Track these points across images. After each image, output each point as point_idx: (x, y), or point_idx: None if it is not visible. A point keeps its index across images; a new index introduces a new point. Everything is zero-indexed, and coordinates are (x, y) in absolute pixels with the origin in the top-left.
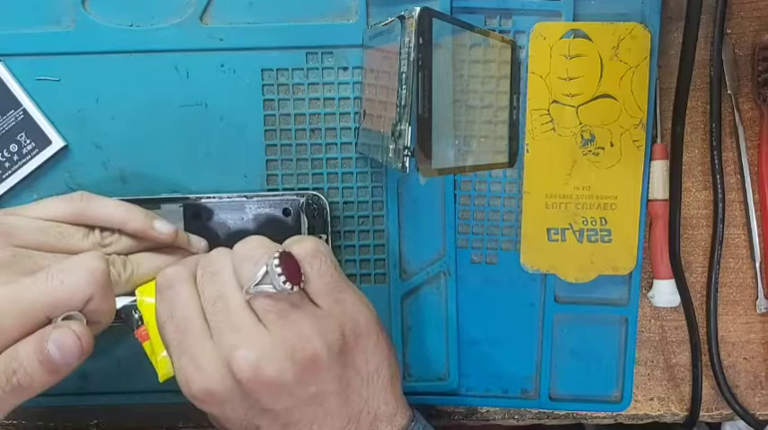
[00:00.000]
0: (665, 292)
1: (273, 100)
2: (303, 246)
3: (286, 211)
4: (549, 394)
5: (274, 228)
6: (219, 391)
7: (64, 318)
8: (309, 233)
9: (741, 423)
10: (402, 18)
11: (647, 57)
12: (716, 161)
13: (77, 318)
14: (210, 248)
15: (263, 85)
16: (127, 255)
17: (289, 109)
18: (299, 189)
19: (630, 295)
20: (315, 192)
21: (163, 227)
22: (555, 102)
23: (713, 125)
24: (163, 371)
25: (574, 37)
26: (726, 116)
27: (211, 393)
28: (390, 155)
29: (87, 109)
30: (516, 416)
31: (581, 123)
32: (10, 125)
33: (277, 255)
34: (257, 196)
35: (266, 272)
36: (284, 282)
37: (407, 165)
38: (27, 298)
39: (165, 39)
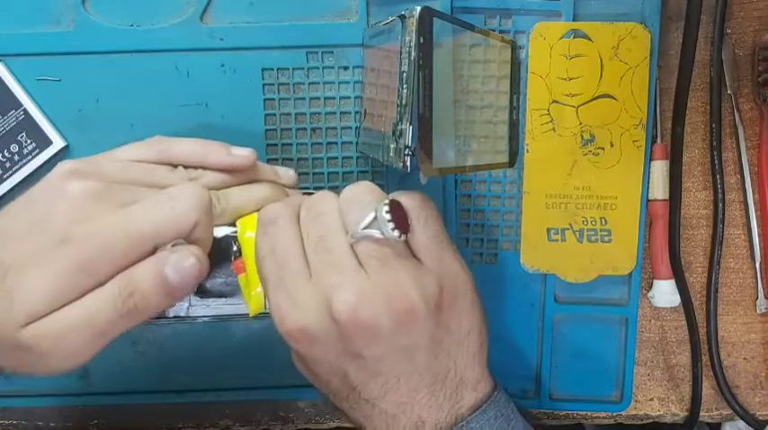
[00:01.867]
0: (665, 292)
1: (274, 99)
2: (412, 198)
3: None
4: (549, 394)
5: None
6: (314, 330)
7: (173, 246)
8: None
9: (741, 423)
10: (403, 17)
11: (647, 57)
12: (716, 161)
13: (184, 244)
14: (211, 248)
15: (264, 85)
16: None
17: (289, 108)
18: (300, 188)
19: (630, 295)
20: (315, 192)
21: (240, 150)
22: (555, 102)
23: (713, 125)
24: (255, 305)
25: (574, 37)
26: (726, 116)
27: (306, 331)
28: (391, 154)
29: (88, 109)
30: None
31: (581, 123)
32: (10, 125)
33: (387, 201)
34: None
35: (374, 217)
36: (393, 229)
37: (408, 164)
38: (137, 225)
39: (166, 38)
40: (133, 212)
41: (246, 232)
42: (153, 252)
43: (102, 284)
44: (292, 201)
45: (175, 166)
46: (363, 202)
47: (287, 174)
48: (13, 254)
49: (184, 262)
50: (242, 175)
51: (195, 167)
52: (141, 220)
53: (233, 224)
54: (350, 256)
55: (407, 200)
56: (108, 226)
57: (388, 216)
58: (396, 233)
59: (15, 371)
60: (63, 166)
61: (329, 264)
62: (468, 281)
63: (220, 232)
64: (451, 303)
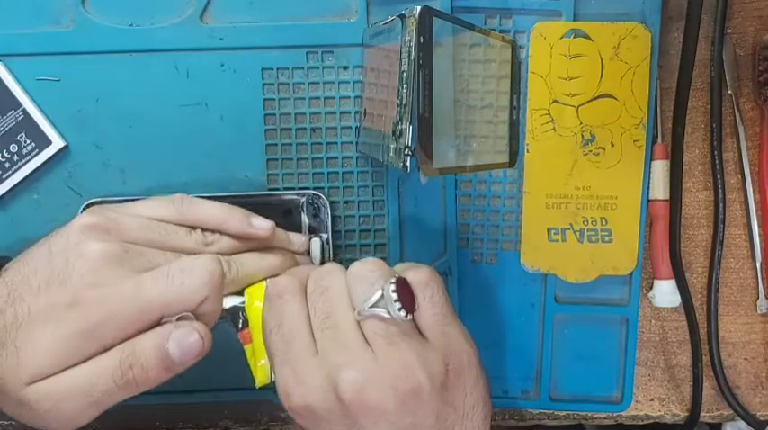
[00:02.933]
0: (665, 293)
1: (274, 99)
2: (418, 274)
3: (287, 211)
4: (550, 394)
5: None
6: (319, 408)
7: (178, 319)
8: (310, 233)
9: (742, 423)
10: (403, 17)
11: (648, 56)
12: (716, 161)
13: (190, 318)
14: None
15: (264, 85)
16: (230, 256)
17: (289, 108)
18: (300, 188)
19: (631, 295)
20: (315, 192)
21: (261, 222)
22: (555, 101)
23: (714, 125)
24: (261, 377)
25: (574, 37)
26: (726, 116)
27: (311, 408)
28: (391, 154)
29: (87, 109)
30: (516, 417)
31: (581, 123)
32: (10, 125)
33: (394, 280)
34: (258, 196)
35: (381, 295)
36: (399, 309)
37: (408, 164)
38: (146, 296)
39: (165, 38)
40: (144, 282)
41: (254, 302)
42: (159, 322)
43: (106, 350)
44: (300, 272)
45: (194, 228)
46: (371, 280)
47: (300, 241)
48: (28, 308)
49: (188, 337)
50: (257, 244)
51: (213, 231)
52: (151, 292)
53: (241, 293)
54: (356, 334)
55: (414, 275)
56: (119, 294)
57: (394, 295)
58: (402, 313)
59: (23, 423)
60: (84, 219)
61: (335, 342)
62: (473, 355)
63: (228, 302)
64: (456, 380)
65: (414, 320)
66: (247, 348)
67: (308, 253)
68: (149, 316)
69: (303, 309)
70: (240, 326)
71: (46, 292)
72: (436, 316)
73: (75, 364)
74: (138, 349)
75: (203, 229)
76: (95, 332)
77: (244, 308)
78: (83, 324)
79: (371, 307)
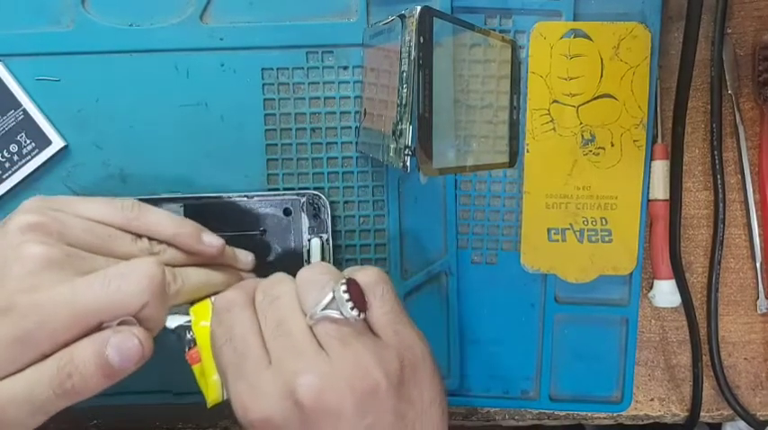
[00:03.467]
0: (665, 293)
1: (274, 99)
2: (367, 274)
3: (287, 211)
4: (550, 395)
5: (275, 228)
6: (278, 418)
7: (119, 323)
8: (309, 233)
9: (742, 423)
10: (403, 17)
11: (648, 56)
12: (716, 161)
13: (131, 323)
14: None
15: (264, 85)
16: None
17: (289, 108)
18: (300, 188)
19: (631, 295)
20: (315, 192)
21: (212, 239)
22: (555, 101)
23: (714, 125)
24: (213, 396)
25: (574, 36)
26: (726, 116)
27: (270, 420)
28: (391, 154)
29: (87, 109)
30: (516, 417)
31: (581, 123)
32: (10, 125)
33: (344, 281)
34: (258, 196)
35: (333, 297)
36: (352, 308)
37: (408, 164)
38: (82, 301)
39: (165, 38)
40: (80, 287)
41: (201, 322)
42: (99, 328)
43: (45, 357)
44: (246, 285)
45: (140, 236)
46: (321, 283)
47: (246, 259)
48: None
49: (127, 343)
50: (203, 259)
51: (160, 242)
52: (86, 296)
53: (186, 313)
54: (310, 339)
55: (363, 276)
56: (53, 299)
57: (346, 295)
58: (355, 312)
59: None
60: (24, 218)
61: (289, 349)
62: (426, 351)
63: (173, 322)
64: (412, 376)
65: (366, 320)
66: (196, 368)
67: (251, 271)
68: (86, 321)
69: (253, 320)
70: (187, 347)
71: None
72: (387, 314)
73: (14, 373)
74: (77, 356)
75: (150, 238)
76: (31, 339)
77: (190, 327)
78: (17, 330)
79: (323, 309)
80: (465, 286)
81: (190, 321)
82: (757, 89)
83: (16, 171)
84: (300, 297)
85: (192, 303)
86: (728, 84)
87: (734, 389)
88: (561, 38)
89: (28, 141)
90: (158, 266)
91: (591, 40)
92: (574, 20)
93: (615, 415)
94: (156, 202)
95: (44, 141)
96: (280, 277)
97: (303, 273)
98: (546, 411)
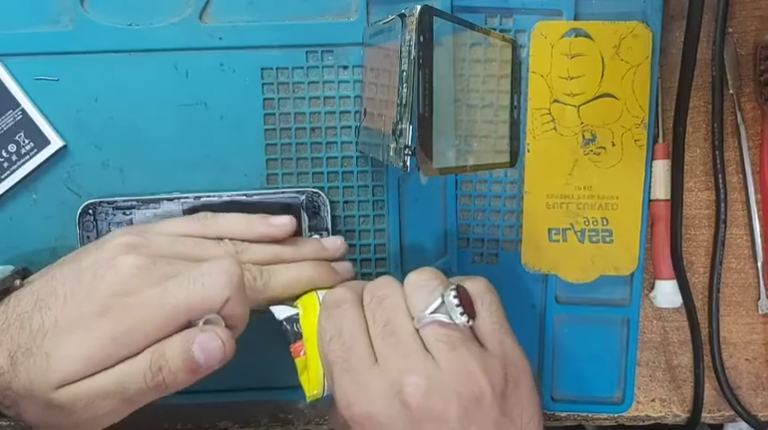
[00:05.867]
0: (666, 293)
1: (273, 99)
2: (476, 283)
3: (285, 207)
4: (551, 395)
5: None
6: (381, 416)
7: (205, 322)
8: (310, 232)
9: (743, 424)
10: (403, 16)
11: (649, 56)
12: (718, 161)
13: (217, 321)
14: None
15: (263, 84)
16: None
17: (289, 108)
18: (300, 188)
19: (632, 296)
20: (314, 190)
21: (279, 219)
22: (556, 101)
23: (715, 125)
24: (314, 390)
25: (575, 36)
26: (728, 115)
27: (373, 417)
28: (391, 154)
29: (86, 109)
30: None
31: (582, 123)
32: (8, 125)
33: (454, 286)
34: (257, 195)
35: (442, 302)
36: (462, 314)
37: (408, 164)
38: (171, 301)
39: (164, 38)
40: (169, 287)
41: (308, 315)
42: (187, 325)
43: (135, 354)
44: (354, 285)
45: (222, 239)
46: (430, 287)
47: (334, 244)
48: (55, 317)
49: (211, 342)
50: (290, 253)
51: (242, 241)
52: (175, 296)
53: (294, 306)
54: (417, 341)
55: (472, 285)
56: (145, 301)
57: (456, 301)
58: (464, 318)
59: (45, 428)
60: (120, 238)
61: (396, 349)
62: (527, 368)
63: (282, 313)
64: (514, 390)
65: (472, 328)
66: (299, 361)
67: (342, 257)
68: (176, 319)
69: (361, 317)
70: (291, 339)
71: (72, 302)
72: (494, 325)
73: (106, 369)
74: (168, 352)
75: (232, 240)
76: (125, 338)
77: (297, 320)
78: (113, 330)
79: (432, 313)
80: None
81: (298, 313)
82: (758, 88)
83: (15, 171)
84: (408, 300)
85: (296, 298)
86: (730, 83)
87: (735, 389)
88: (562, 37)
89: (26, 141)
90: (235, 263)
91: (592, 39)
92: (575, 19)
93: (616, 415)
94: (155, 202)
95: (43, 141)
96: (387, 280)
97: (412, 276)
98: (547, 412)
